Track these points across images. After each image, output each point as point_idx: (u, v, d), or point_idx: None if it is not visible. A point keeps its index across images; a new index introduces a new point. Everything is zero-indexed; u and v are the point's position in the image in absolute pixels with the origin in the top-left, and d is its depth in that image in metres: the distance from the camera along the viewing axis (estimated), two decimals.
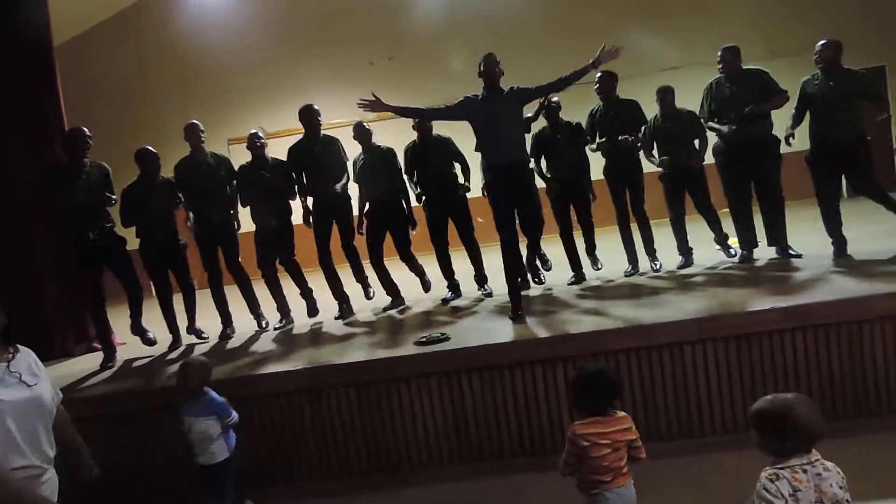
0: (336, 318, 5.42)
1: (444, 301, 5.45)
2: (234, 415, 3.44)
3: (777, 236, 5.23)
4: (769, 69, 5.17)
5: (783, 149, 5.09)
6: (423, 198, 5.49)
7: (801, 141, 5.12)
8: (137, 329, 5.24)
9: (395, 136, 5.72)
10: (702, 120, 5.29)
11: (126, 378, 4.52)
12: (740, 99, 5.00)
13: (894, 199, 4.88)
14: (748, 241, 5.35)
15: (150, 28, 10.25)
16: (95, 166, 4.99)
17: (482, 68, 4.42)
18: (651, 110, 5.47)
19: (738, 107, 4.99)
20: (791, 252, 5.15)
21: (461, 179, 5.41)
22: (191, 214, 5.33)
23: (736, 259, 5.35)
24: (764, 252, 5.35)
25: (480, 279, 5.55)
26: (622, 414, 2.54)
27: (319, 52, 10.12)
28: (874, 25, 8.79)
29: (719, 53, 5.14)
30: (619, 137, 5.28)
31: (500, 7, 9.99)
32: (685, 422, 3.80)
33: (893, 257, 4.65)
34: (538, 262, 5.56)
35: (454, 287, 5.60)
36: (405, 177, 5.51)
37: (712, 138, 5.33)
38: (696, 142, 5.37)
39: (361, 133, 5.47)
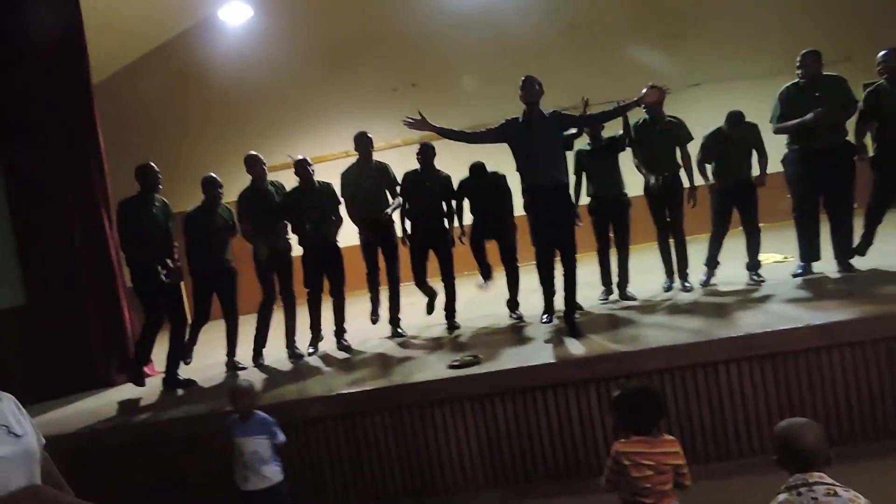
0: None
1: (480, 286, 5.70)
2: (282, 435, 3.45)
3: (844, 252, 5.09)
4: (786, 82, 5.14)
5: None
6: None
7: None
8: (173, 372, 5.10)
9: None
10: (771, 125, 5.17)
11: (175, 405, 4.54)
12: (819, 105, 4.83)
13: None
14: (811, 255, 5.20)
15: (181, 62, 10.59)
16: (160, 200, 5.12)
17: (522, 91, 4.50)
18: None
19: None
20: (852, 268, 5.04)
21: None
22: (254, 245, 5.33)
23: (792, 273, 5.24)
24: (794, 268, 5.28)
25: (513, 304, 5.56)
26: (669, 437, 2.50)
27: (344, 81, 10.36)
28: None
29: (798, 58, 5.02)
30: (651, 180, 5.32)
31: (518, 31, 10.09)
32: (722, 443, 3.77)
33: None
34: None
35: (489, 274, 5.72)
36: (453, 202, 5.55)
37: (778, 151, 5.22)
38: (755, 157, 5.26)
39: (426, 153, 5.49)
